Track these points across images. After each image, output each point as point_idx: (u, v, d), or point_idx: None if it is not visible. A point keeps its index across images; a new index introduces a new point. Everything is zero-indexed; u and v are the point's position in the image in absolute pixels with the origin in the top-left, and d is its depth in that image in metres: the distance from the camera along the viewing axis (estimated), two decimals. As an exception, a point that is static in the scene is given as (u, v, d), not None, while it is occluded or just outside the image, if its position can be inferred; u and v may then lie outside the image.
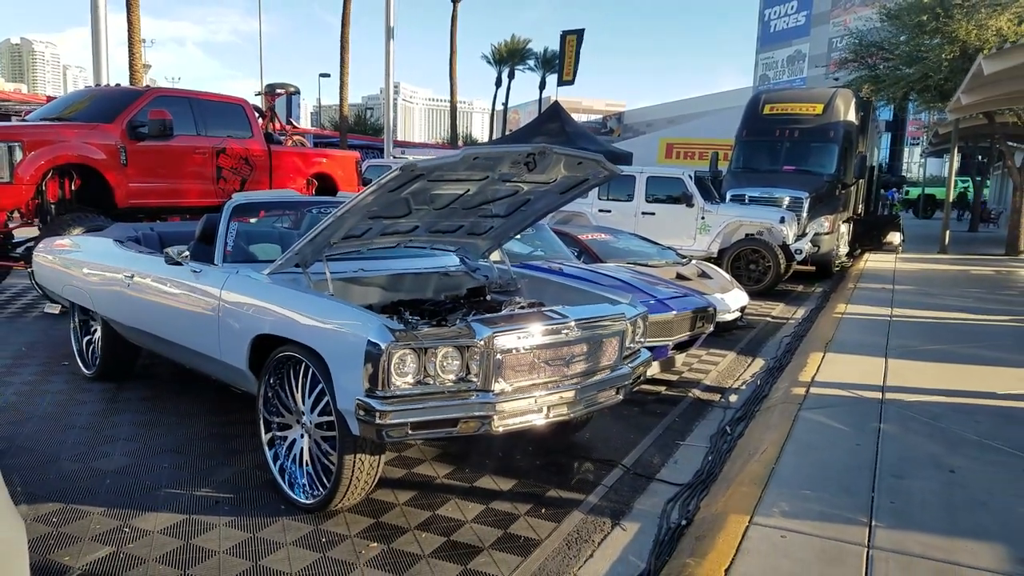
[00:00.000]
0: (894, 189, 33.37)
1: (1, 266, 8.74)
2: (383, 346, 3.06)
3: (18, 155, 7.46)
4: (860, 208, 17.06)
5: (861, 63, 19.68)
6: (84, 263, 5.34)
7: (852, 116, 14.37)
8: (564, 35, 30.94)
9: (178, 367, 5.37)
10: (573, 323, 3.59)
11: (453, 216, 4.29)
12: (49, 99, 27.28)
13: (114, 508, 3.51)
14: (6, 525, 1.76)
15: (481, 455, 4.35)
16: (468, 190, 3.92)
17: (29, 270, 6.85)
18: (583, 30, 30.85)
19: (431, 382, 3.21)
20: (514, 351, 3.38)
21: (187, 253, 4.19)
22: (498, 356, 3.32)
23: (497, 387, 3.34)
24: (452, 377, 3.26)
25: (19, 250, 8.54)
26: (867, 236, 17.39)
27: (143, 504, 3.56)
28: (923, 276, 13.11)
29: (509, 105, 63.02)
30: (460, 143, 50.67)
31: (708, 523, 3.48)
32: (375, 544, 3.28)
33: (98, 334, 5.37)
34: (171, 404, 5.06)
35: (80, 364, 5.64)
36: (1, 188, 7.39)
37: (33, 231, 8.21)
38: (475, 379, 3.29)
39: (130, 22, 20.97)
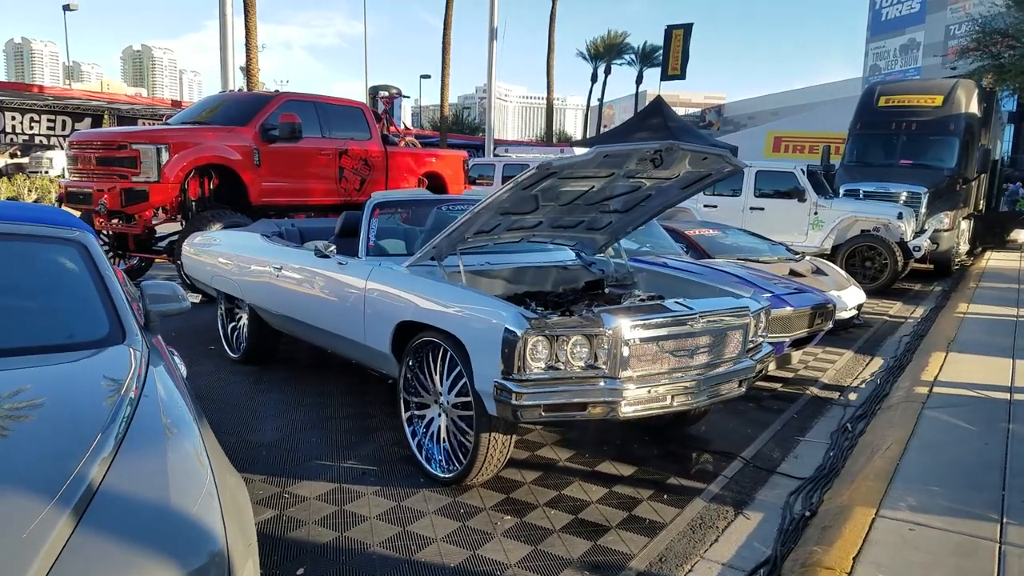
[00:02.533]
0: (1019, 183, 31.23)
1: (145, 259, 9.56)
2: (519, 333, 3.29)
3: (164, 156, 8.16)
4: (982, 204, 16.19)
5: (984, 52, 18.58)
6: (233, 256, 5.83)
7: (974, 108, 13.68)
8: (669, 29, 30.22)
9: (314, 351, 5.80)
10: (698, 316, 3.70)
11: (575, 212, 4.48)
12: (175, 103, 29.26)
13: (272, 476, 3.88)
14: (235, 481, 2.08)
15: (600, 442, 4.52)
16: (593, 187, 4.10)
17: (178, 262, 7.47)
18: (691, 24, 30.07)
19: (561, 368, 3.41)
20: (640, 341, 3.53)
21: (333, 247, 4.54)
22: (624, 345, 3.47)
23: (623, 375, 3.49)
24: (581, 364, 3.44)
25: (161, 244, 9.34)
26: (989, 233, 16.49)
27: (297, 473, 3.92)
28: (1053, 275, 12.36)
29: (604, 100, 62.68)
30: (555, 140, 50.83)
31: (833, 514, 3.52)
32: (509, 517, 3.51)
33: (243, 321, 5.85)
34: (310, 385, 5.47)
35: (227, 348, 6.17)
36: (150, 187, 8.11)
37: (175, 227, 8.95)
38: (603, 367, 3.46)
39: (247, 28, 22.18)
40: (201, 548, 1.66)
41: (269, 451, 4.24)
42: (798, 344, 5.91)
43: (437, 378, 3.84)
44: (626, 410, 3.49)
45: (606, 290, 4.84)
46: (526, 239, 4.68)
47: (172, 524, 1.70)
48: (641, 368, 3.56)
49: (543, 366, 3.38)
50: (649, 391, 3.55)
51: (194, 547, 1.66)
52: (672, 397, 3.63)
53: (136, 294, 3.16)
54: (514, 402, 3.29)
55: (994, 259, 15.17)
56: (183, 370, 2.94)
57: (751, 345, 4.05)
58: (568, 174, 3.71)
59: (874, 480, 3.85)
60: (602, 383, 3.46)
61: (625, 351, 3.48)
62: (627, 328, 3.47)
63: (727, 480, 4.07)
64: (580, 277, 5.04)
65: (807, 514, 3.64)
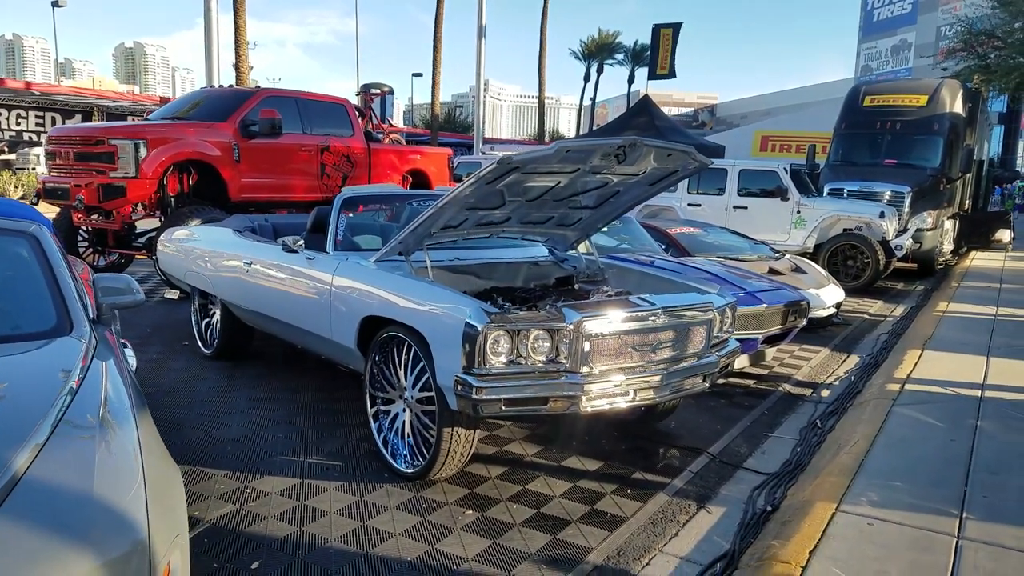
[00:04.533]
0: (1012, 183, 31.42)
1: (124, 255, 9.52)
2: (480, 327, 3.28)
3: (143, 152, 8.12)
4: (967, 204, 16.25)
5: (971, 52, 18.67)
6: (205, 251, 5.81)
7: (959, 107, 13.72)
8: (657, 28, 29.93)
9: (288, 348, 5.77)
10: (660, 310, 3.70)
11: (544, 207, 4.47)
12: (163, 100, 29.12)
13: (235, 472, 3.87)
14: (171, 469, 2.07)
15: (568, 437, 4.52)
16: (559, 182, 4.09)
17: (154, 258, 7.44)
18: (680, 24, 29.78)
19: (523, 362, 3.41)
20: (602, 335, 3.53)
21: (302, 242, 4.53)
22: (586, 340, 3.47)
23: (585, 369, 3.49)
24: (543, 358, 3.44)
25: (141, 240, 9.29)
26: (974, 233, 16.55)
27: (261, 469, 3.91)
28: (1035, 275, 12.43)
29: (597, 100, 62.76)
30: (547, 139, 50.86)
31: (794, 509, 3.53)
32: (470, 512, 3.51)
33: (216, 317, 5.83)
34: (282, 381, 5.46)
35: (200, 344, 6.14)
36: (128, 183, 8.07)
37: (154, 222, 8.90)
38: (564, 361, 3.46)
39: (237, 25, 22.13)
40: (122, 537, 1.65)
41: (235, 446, 4.22)
42: (772, 341, 5.92)
43: (401, 373, 3.83)
44: (588, 404, 3.49)
45: (576, 286, 4.84)
46: (496, 235, 4.67)
47: (93, 513, 1.69)
48: (603, 363, 3.56)
49: (504, 360, 3.37)
50: (612, 386, 3.55)
51: (114, 536, 1.65)
52: (635, 392, 3.63)
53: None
54: (474, 396, 3.29)
55: (978, 259, 15.23)
56: (133, 363, 2.92)
57: (716, 340, 4.06)
58: (531, 169, 3.70)
59: (838, 475, 3.86)
60: (564, 378, 3.46)
61: (587, 346, 3.48)
62: (588, 323, 3.47)
63: (692, 475, 4.07)
64: (551, 273, 5.04)
65: (769, 509, 3.64)
